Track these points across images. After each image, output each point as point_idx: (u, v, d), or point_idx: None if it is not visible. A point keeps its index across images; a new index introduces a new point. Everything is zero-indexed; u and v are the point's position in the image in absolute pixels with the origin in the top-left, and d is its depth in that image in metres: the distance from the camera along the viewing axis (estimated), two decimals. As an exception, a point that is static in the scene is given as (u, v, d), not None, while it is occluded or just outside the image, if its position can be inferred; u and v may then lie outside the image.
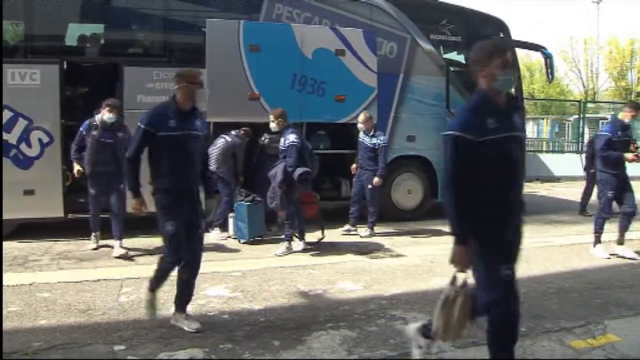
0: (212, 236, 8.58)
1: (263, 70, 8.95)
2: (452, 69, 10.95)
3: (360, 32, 9.62)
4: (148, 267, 6.75)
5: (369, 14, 10.11)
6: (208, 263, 6.78)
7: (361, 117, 8.98)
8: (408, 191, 10.64)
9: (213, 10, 9.39)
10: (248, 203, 8.42)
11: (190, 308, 5.35)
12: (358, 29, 9.67)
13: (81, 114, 8.38)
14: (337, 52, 9.40)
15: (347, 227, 9.31)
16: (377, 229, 9.23)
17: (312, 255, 7.76)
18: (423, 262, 7.35)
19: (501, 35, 11.51)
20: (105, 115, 7.46)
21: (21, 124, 8.13)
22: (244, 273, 6.68)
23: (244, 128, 8.97)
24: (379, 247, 8.22)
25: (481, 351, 4.39)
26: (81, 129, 7.62)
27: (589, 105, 28.85)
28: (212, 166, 8.53)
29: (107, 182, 7.57)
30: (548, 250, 8.17)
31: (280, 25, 9.38)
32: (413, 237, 9.11)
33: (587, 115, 24.10)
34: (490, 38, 11.42)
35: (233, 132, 8.89)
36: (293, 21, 9.56)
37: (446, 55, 11.06)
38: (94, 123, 7.53)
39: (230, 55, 8.85)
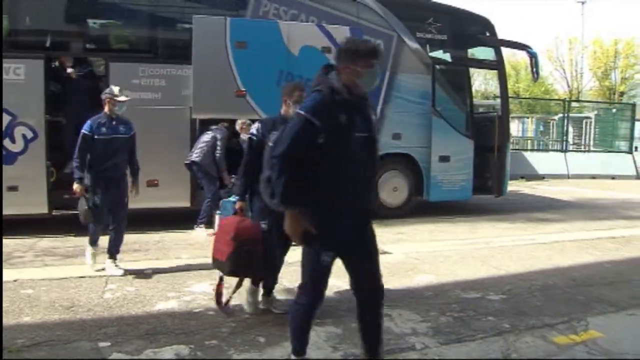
0: (197, 233, 8.57)
1: (249, 67, 8.94)
2: (438, 67, 11.00)
3: (346, 30, 9.64)
4: (133, 263, 6.78)
5: (355, 11, 10.13)
6: (194, 260, 6.81)
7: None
8: (394, 189, 10.69)
9: (200, 7, 9.37)
10: (233, 200, 8.39)
11: (175, 304, 5.36)
12: (344, 27, 9.69)
13: (66, 109, 8.37)
14: (324, 50, 9.40)
15: None
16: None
17: (297, 252, 7.74)
18: (408, 259, 7.38)
19: (487, 34, 11.59)
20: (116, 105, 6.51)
21: (5, 119, 8.05)
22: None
23: (224, 123, 8.93)
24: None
25: (466, 347, 4.45)
26: (85, 130, 6.38)
27: (574, 104, 29.09)
28: (197, 159, 8.52)
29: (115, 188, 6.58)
30: (532, 248, 8.25)
31: (267, 22, 9.38)
32: (398, 234, 9.14)
33: (571, 114, 24.31)
34: (476, 37, 11.55)
35: (213, 127, 8.86)
36: (280, 18, 9.56)
37: (432, 54, 11.10)
38: (102, 121, 6.48)
39: (217, 51, 8.83)
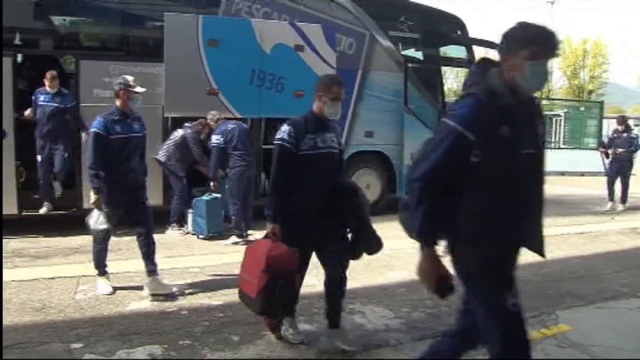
0: (170, 233, 8.52)
1: (222, 65, 8.90)
2: (410, 65, 11.06)
3: (319, 28, 9.66)
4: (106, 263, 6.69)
5: (328, 9, 10.13)
6: (166, 259, 6.77)
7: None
8: (366, 186, 10.71)
9: (171, 4, 9.29)
10: (207, 198, 8.38)
11: (147, 304, 5.33)
12: (317, 25, 9.70)
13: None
14: (296, 48, 9.41)
15: None
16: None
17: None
18: (381, 256, 7.33)
19: (458, 32, 11.69)
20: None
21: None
22: (202, 269, 6.65)
23: (200, 120, 8.83)
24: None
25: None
26: (98, 129, 5.48)
27: (544, 102, 29.44)
28: (162, 158, 8.44)
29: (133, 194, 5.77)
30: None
31: (240, 20, 9.33)
32: (372, 232, 9.16)
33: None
34: (448, 35, 11.64)
35: (187, 124, 8.78)
36: (252, 16, 9.52)
37: (404, 52, 11.16)
38: (115, 117, 5.62)
39: (189, 49, 8.77)
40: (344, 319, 5.00)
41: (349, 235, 4.40)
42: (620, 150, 12.07)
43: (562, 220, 10.68)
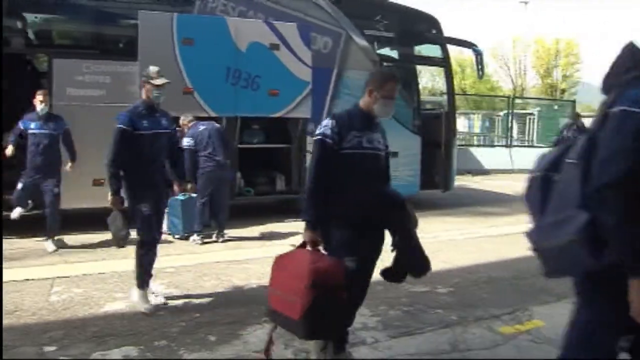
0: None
1: (197, 63, 8.84)
2: (385, 64, 11.09)
3: (294, 27, 9.64)
4: (80, 264, 6.63)
5: (303, 8, 10.12)
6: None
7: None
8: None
9: (146, 2, 9.21)
10: (182, 198, 8.32)
11: (123, 305, 5.28)
12: (292, 23, 9.68)
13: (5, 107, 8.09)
14: (272, 46, 9.39)
15: None
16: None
17: (247, 249, 7.75)
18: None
19: (433, 31, 11.76)
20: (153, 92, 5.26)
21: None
22: (178, 269, 6.61)
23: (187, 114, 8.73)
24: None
25: (415, 340, 4.51)
26: (124, 124, 5.06)
27: (517, 101, 29.77)
28: None
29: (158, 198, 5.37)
30: (479, 241, 8.43)
31: (215, 19, 9.29)
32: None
33: (515, 110, 24.89)
34: (423, 34, 11.71)
35: None
36: (227, 14, 9.47)
37: (380, 51, 11.19)
38: (141, 111, 5.21)
39: (164, 48, 8.69)
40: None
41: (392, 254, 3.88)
42: None
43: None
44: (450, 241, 8.49)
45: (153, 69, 5.28)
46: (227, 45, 9.04)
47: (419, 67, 13.17)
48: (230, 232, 8.42)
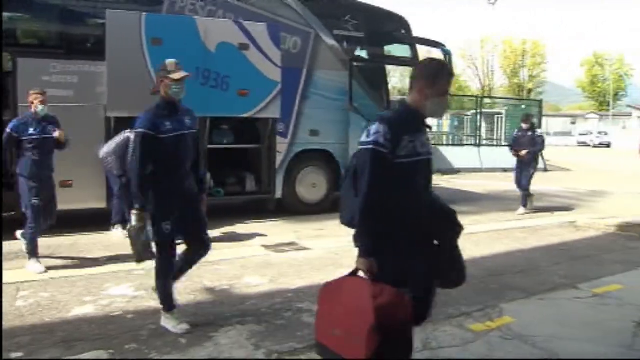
0: (114, 234, 8.35)
1: (165, 64, 8.76)
2: (355, 64, 11.13)
3: (264, 27, 9.63)
4: (48, 268, 6.52)
5: (273, 8, 10.11)
6: (111, 262, 6.64)
7: None
8: (312, 185, 10.76)
9: (114, 1, 9.10)
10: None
11: (91, 308, 5.22)
12: (262, 23, 9.67)
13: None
14: (241, 46, 9.36)
15: None
16: (283, 223, 9.29)
17: (217, 250, 7.71)
18: (328, 254, 7.46)
19: (403, 31, 11.84)
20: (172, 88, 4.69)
21: None
22: (148, 271, 6.52)
23: None
24: (284, 241, 8.27)
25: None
26: (145, 128, 4.53)
27: (486, 100, 30.16)
28: (101, 154, 8.24)
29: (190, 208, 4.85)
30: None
31: (184, 18, 9.23)
32: (318, 230, 9.21)
33: (483, 110, 25.19)
34: (392, 34, 11.78)
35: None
36: (196, 14, 9.42)
37: (349, 51, 11.22)
38: (163, 111, 4.69)
39: (132, 48, 8.61)
40: (291, 318, 5.02)
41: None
42: (523, 152, 11.27)
43: (504, 215, 10.98)
44: (420, 240, 8.54)
45: (170, 61, 4.71)
46: (197, 46, 8.99)
47: (388, 67, 13.23)
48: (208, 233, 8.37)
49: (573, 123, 68.95)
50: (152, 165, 4.48)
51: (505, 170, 20.66)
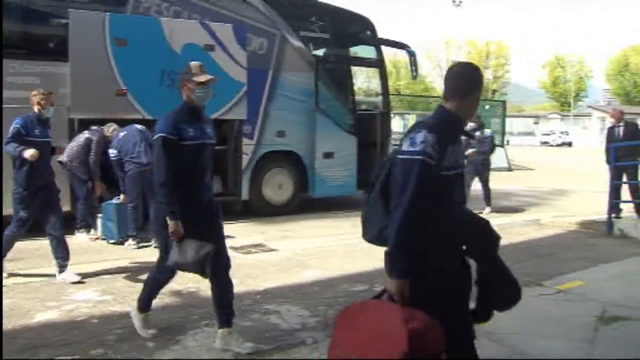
0: (78, 239, 8.24)
1: (130, 64, 8.69)
2: (321, 65, 11.17)
3: (230, 28, 9.60)
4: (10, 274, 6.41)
5: (239, 9, 10.09)
6: (75, 267, 6.54)
7: None
8: (279, 186, 10.76)
9: (77, 1, 8.96)
10: (116, 202, 8.16)
11: (55, 314, 5.14)
12: (228, 24, 9.64)
13: None
14: (207, 47, 9.32)
15: None
16: (249, 225, 9.27)
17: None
18: (295, 255, 7.46)
19: (368, 33, 11.92)
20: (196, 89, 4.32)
21: None
22: (114, 275, 6.48)
23: (110, 124, 8.53)
24: (251, 243, 8.25)
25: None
26: (167, 133, 4.14)
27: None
28: (64, 159, 8.13)
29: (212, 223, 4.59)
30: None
31: (148, 19, 9.15)
32: (284, 231, 9.22)
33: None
34: (357, 35, 11.85)
35: (94, 127, 8.48)
36: (161, 15, 9.35)
37: (315, 52, 11.26)
38: (185, 116, 4.30)
39: (96, 48, 8.51)
40: (258, 320, 5.02)
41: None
42: (470, 151, 10.63)
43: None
44: (387, 240, 8.60)
45: (194, 63, 4.37)
46: (162, 47, 8.93)
47: (354, 68, 13.30)
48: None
49: (536, 123, 70.16)
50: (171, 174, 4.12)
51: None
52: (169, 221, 4.09)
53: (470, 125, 11.08)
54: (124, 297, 5.64)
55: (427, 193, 2.71)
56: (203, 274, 4.22)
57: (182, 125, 4.15)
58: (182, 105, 4.30)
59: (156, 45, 8.87)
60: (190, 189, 4.23)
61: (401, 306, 2.66)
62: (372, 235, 3.03)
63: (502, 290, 3.14)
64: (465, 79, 2.95)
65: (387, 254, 2.75)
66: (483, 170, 11.31)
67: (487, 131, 11.69)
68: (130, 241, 7.99)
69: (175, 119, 4.18)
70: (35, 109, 6.17)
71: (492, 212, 11.27)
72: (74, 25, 8.39)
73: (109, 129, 8.23)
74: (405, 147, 2.80)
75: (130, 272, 6.60)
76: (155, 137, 4.17)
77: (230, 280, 4.41)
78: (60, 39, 8.65)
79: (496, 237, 3.15)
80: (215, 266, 4.19)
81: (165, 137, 4.09)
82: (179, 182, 4.13)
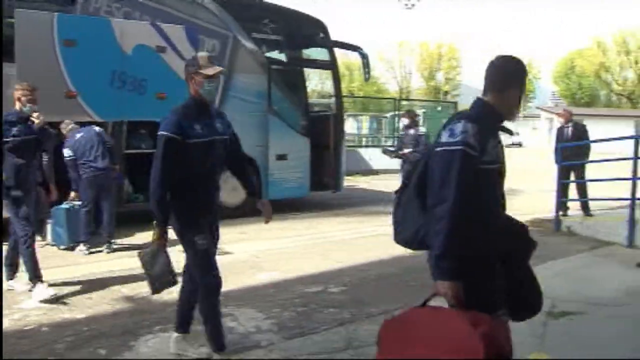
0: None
1: (80, 66, 8.49)
2: (273, 67, 11.16)
3: (182, 29, 9.48)
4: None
5: (191, 10, 10.00)
6: (23, 274, 6.37)
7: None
8: (232, 188, 10.64)
9: (24, 0, 8.74)
10: (66, 207, 7.99)
11: (5, 323, 5.00)
12: (180, 26, 9.53)
13: None
14: (158, 49, 9.18)
15: None
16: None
17: (137, 258, 7.55)
18: (249, 258, 7.44)
19: (321, 35, 11.96)
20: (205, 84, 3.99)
21: None
22: (64, 281, 6.34)
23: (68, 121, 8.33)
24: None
25: (310, 340, 4.58)
26: (171, 132, 3.85)
27: (403, 102, 30.79)
28: None
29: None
30: (369, 240, 8.66)
31: (98, 19, 8.97)
32: (240, 234, 9.16)
33: (401, 112, 25.74)
34: (310, 37, 11.88)
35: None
36: (112, 15, 9.19)
37: (268, 54, 11.25)
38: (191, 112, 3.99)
39: (44, 49, 8.28)
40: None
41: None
42: (406, 151, 10.25)
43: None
44: (341, 241, 8.67)
45: (202, 54, 4.09)
46: (112, 48, 8.74)
47: (307, 70, 13.34)
48: (119, 241, 8.18)
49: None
50: (176, 174, 3.90)
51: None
52: (154, 226, 3.90)
53: (402, 122, 11.19)
54: (74, 304, 5.53)
55: (470, 186, 2.56)
56: (157, 290, 4.11)
57: (188, 122, 3.85)
58: (189, 100, 3.99)
59: (107, 46, 8.69)
60: (200, 190, 3.99)
61: (461, 310, 2.47)
62: (406, 236, 2.89)
63: (527, 298, 2.96)
64: (502, 71, 2.83)
65: (435, 255, 2.60)
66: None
67: (422, 129, 11.09)
68: (81, 247, 7.84)
69: (180, 116, 3.87)
70: (17, 105, 5.83)
71: None
72: (21, 26, 8.17)
73: (67, 127, 8.07)
74: (444, 139, 2.65)
75: (81, 278, 6.46)
76: (158, 134, 3.88)
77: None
78: (6, 39, 8.41)
79: (533, 244, 2.97)
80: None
81: (167, 136, 3.81)
82: (186, 184, 3.92)
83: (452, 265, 2.54)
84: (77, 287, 6.10)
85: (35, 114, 5.79)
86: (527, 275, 2.93)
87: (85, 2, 9.02)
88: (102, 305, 5.50)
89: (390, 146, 12.22)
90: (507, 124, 2.86)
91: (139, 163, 9.45)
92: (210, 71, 3.90)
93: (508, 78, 2.79)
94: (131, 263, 7.18)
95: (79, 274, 6.65)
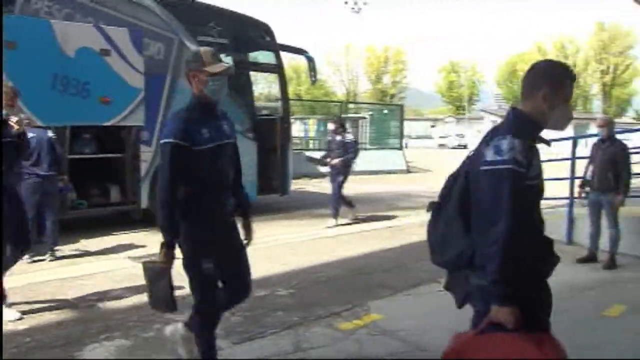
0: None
1: (20, 69, 8.25)
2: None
3: (126, 32, 9.34)
4: None
5: (135, 13, 9.86)
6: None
7: None
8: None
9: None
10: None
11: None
12: (124, 28, 9.38)
13: None
14: (102, 52, 9.02)
15: None
16: (149, 234, 9.07)
17: (82, 265, 7.42)
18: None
19: (267, 38, 11.97)
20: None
21: None
22: (6, 291, 6.16)
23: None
24: (151, 252, 8.07)
25: (258, 344, 4.58)
26: (176, 138, 3.42)
27: (350, 105, 31.09)
28: None
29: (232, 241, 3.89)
30: (317, 242, 8.71)
31: (39, 21, 8.74)
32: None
33: (348, 115, 25.95)
34: (256, 41, 11.87)
35: None
36: (53, 17, 8.96)
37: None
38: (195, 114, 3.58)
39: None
40: (160, 330, 4.93)
41: None
42: (336, 160, 10.34)
43: (372, 216, 11.39)
44: (289, 243, 8.69)
45: (205, 50, 3.65)
46: (54, 50, 8.55)
47: (253, 74, 13.32)
48: (62, 248, 8.00)
49: (433, 126, 72.58)
50: (185, 186, 3.48)
51: (372, 173, 21.44)
52: (163, 249, 3.51)
53: (329, 126, 11.07)
54: (17, 314, 5.39)
55: (522, 206, 2.43)
56: (154, 308, 3.84)
57: (193, 127, 3.44)
58: (192, 102, 3.59)
59: (48, 48, 8.49)
60: (211, 200, 3.54)
61: (523, 335, 2.38)
62: (448, 259, 2.76)
63: (540, 316, 2.67)
64: (532, 73, 2.64)
65: (492, 281, 2.43)
66: (339, 176, 10.54)
67: (349, 135, 10.90)
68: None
69: (185, 120, 3.45)
70: None
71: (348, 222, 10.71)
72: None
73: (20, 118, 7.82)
74: (489, 157, 2.50)
75: (23, 288, 6.29)
76: (161, 142, 3.47)
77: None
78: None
79: (557, 259, 2.77)
80: (234, 292, 3.81)
81: (175, 144, 3.38)
82: (198, 193, 3.51)
83: (509, 291, 2.42)
84: (20, 297, 5.93)
85: (14, 119, 5.41)
86: (547, 293, 2.72)
87: (24, 2, 8.78)
88: (47, 314, 5.37)
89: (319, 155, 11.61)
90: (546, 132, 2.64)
91: (82, 169, 9.28)
92: (216, 69, 3.53)
93: (537, 80, 2.60)
94: (77, 270, 7.09)
95: (21, 284, 6.47)
